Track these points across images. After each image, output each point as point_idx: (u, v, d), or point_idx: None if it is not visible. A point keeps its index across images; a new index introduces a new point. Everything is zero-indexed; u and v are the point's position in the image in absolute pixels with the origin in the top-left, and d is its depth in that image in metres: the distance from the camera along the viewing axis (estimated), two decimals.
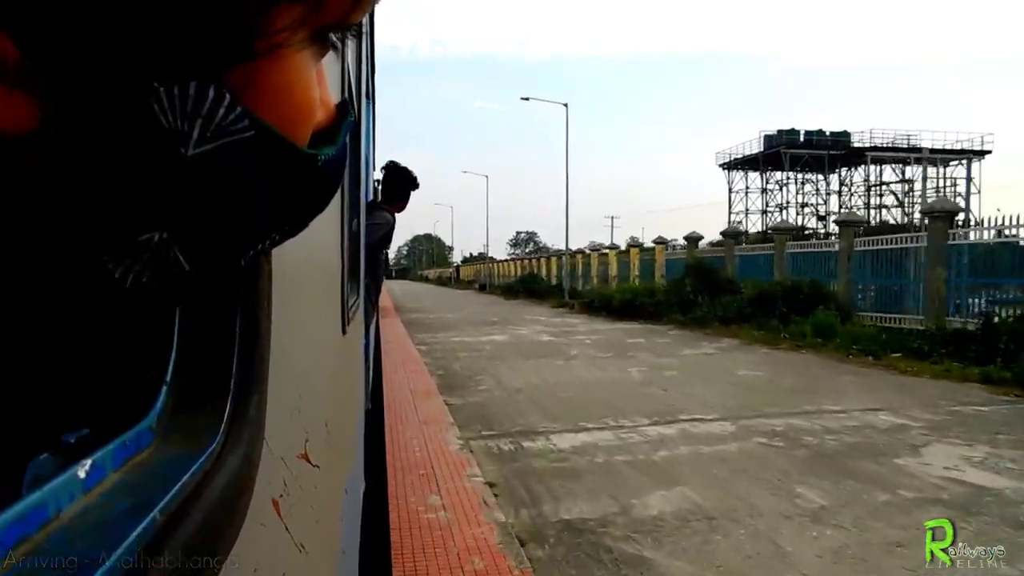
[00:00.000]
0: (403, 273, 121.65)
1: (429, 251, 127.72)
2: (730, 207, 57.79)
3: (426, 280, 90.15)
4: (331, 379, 0.98)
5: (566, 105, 28.82)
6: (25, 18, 0.21)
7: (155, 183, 0.24)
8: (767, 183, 56.37)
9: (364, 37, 2.48)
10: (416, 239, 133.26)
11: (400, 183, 4.60)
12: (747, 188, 57.05)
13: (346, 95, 1.35)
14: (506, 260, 56.39)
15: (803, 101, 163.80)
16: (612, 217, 79.84)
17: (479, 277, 56.96)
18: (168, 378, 0.33)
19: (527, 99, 31.80)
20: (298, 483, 0.55)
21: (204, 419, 0.32)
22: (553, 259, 38.05)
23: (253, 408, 0.36)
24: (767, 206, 56.10)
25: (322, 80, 0.30)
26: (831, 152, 49.59)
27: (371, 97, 4.04)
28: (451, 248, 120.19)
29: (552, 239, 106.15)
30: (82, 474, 0.24)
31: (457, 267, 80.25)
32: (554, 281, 33.47)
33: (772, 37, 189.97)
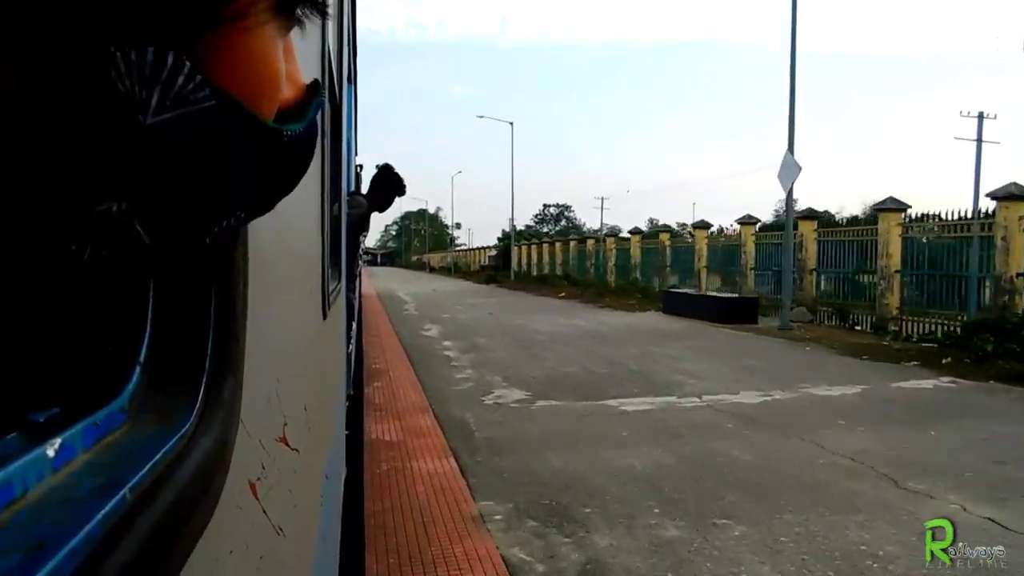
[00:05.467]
0: (389, 259, 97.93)
1: (428, 231, 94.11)
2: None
3: (429, 269, 63.77)
4: (311, 364, 0.98)
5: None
6: None
7: (112, 151, 0.23)
8: None
9: (345, 18, 2.45)
10: (407, 216, 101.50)
11: (387, 189, 4.45)
12: None
13: (326, 77, 1.34)
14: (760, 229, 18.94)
15: None
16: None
17: (597, 268, 25.66)
18: (141, 358, 0.32)
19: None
20: (276, 466, 0.55)
21: (178, 400, 0.32)
22: None
23: (228, 390, 0.36)
24: None
25: (290, 56, 0.29)
26: None
27: (353, 80, 3.99)
28: (458, 225, 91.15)
29: (586, 216, 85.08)
30: (51, 453, 0.24)
31: (504, 251, 43.85)
32: None
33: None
